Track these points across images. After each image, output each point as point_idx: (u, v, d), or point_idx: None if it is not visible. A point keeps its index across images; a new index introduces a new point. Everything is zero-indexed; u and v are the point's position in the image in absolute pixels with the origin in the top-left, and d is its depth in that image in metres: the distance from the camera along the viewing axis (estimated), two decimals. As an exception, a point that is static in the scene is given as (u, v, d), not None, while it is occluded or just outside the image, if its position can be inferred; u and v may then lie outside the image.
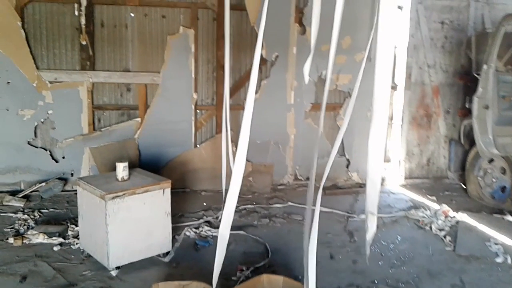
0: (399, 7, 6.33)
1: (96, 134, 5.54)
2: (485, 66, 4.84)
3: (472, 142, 5.93)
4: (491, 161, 5.73)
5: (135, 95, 5.71)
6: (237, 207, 5.08)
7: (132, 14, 5.58)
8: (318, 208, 2.43)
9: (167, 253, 3.77)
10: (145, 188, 3.52)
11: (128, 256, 3.49)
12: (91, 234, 3.59)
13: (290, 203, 5.41)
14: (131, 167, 4.15)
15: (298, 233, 4.47)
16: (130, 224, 3.46)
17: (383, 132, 2.23)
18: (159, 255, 3.73)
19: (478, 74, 5.14)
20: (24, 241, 3.92)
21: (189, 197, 5.49)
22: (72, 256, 3.74)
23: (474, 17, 6.59)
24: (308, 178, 6.27)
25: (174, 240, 4.01)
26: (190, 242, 4.14)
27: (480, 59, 5.55)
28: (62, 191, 5.28)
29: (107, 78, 5.54)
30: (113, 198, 3.34)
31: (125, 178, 3.63)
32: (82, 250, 3.78)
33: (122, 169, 3.62)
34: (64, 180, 5.41)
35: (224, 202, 2.55)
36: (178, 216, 4.69)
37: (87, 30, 5.42)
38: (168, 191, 3.67)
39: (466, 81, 6.45)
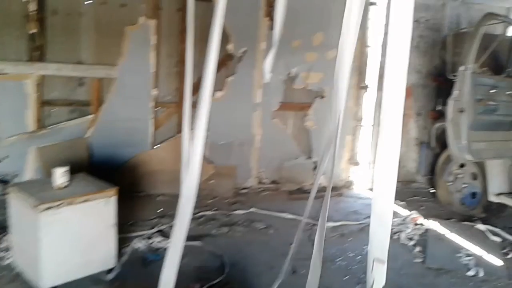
0: (372, 3, 6.07)
1: (43, 132, 5.06)
2: (462, 68, 4.61)
3: (443, 146, 5.75)
4: (461, 166, 5.57)
5: (88, 90, 5.27)
6: (195, 213, 4.78)
7: (88, 1, 5.15)
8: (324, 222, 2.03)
9: (111, 269, 3.38)
10: (85, 197, 3.13)
11: (64, 274, 3.08)
12: (23, 249, 3.18)
13: (253, 209, 5.07)
14: (81, 169, 3.75)
15: (260, 244, 4.17)
16: (67, 239, 3.07)
17: (397, 150, 1.64)
18: (101, 272, 3.34)
19: (454, 76, 4.94)
20: None
21: (144, 202, 5.08)
22: (3, 273, 3.30)
23: (450, 16, 6.40)
24: (273, 182, 6.01)
25: (121, 253, 3.63)
26: (139, 256, 3.74)
27: (456, 60, 5.34)
28: (2, 194, 4.80)
29: (58, 70, 5.07)
30: (47, 209, 2.94)
31: (64, 185, 3.23)
32: (13, 267, 3.35)
33: (60, 175, 3.21)
34: (5, 182, 4.91)
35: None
36: (128, 225, 4.29)
37: (37, 18, 4.95)
38: (113, 200, 3.28)
39: (439, 83, 6.27)
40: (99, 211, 3.21)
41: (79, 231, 3.13)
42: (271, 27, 5.64)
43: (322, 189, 6.54)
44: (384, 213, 1.69)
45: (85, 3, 5.14)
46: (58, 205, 2.99)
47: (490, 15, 4.83)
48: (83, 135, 5.24)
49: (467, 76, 4.57)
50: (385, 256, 1.74)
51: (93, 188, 3.27)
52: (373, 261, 1.76)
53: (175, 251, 2.20)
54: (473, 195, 5.42)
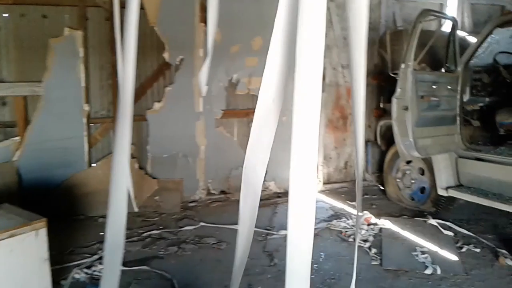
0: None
1: (-38, 159, 4.59)
2: (402, 65, 4.58)
3: (389, 143, 5.76)
4: (408, 162, 5.58)
5: (12, 110, 4.83)
6: (140, 233, 4.48)
7: (5, 14, 4.72)
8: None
9: (47, 308, 3.03)
10: (10, 232, 2.75)
11: (-10, 322, 2.72)
12: None
13: (202, 224, 4.81)
14: (9, 196, 3.36)
15: (212, 261, 3.93)
16: (-9, 281, 2.70)
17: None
18: (35, 313, 2.98)
19: (395, 74, 4.92)
20: None
21: (83, 226, 4.68)
22: None
23: (386, 15, 6.45)
24: (223, 192, 5.77)
25: (59, 286, 3.28)
26: (80, 287, 3.41)
27: (394, 58, 5.34)
28: None
29: (-25, 91, 4.62)
30: (-36, 250, 2.56)
31: (-16, 220, 2.85)
32: None
33: (-22, 210, 2.83)
34: None
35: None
36: (67, 253, 3.92)
37: None
38: (43, 231, 2.92)
39: (380, 81, 6.29)
40: (28, 246, 2.84)
41: (6, 271, 2.74)
42: (207, 33, 5.43)
43: (272, 196, 6.34)
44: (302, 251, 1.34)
45: (3, 15, 4.70)
46: (-23, 244, 2.61)
47: (427, 11, 4.85)
48: (9, 159, 4.79)
49: (408, 74, 4.54)
50: None
51: (19, 221, 2.89)
52: None
53: (110, 280, 1.92)
54: (422, 190, 5.44)
